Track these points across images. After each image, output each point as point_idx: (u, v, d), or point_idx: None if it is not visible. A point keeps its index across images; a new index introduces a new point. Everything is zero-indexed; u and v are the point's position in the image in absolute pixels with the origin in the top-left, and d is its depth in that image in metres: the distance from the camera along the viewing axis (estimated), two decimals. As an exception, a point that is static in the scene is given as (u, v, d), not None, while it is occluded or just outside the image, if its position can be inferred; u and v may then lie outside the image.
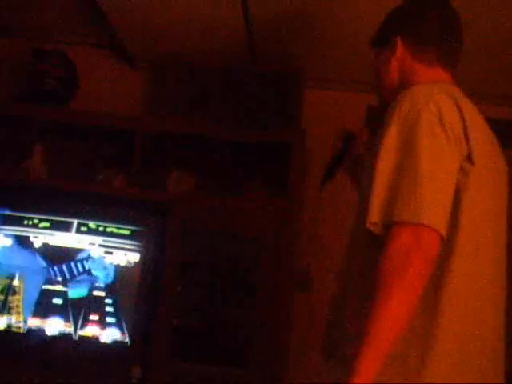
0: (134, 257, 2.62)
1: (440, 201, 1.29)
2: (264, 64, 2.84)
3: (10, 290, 2.57)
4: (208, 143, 2.76)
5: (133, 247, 2.63)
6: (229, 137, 2.70)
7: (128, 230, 2.64)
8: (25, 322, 2.55)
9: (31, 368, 2.47)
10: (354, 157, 1.77)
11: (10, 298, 2.56)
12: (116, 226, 2.64)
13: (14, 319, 2.55)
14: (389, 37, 1.59)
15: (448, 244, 1.32)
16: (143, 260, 2.61)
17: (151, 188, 2.69)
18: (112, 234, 2.64)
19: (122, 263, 2.62)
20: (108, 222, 2.64)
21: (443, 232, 1.28)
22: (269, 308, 2.55)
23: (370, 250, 1.37)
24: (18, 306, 2.56)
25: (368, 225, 1.31)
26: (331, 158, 1.79)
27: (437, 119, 1.33)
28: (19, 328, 2.54)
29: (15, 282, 2.58)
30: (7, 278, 2.58)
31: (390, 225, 1.28)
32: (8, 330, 2.54)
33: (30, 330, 2.54)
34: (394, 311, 1.23)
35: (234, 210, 2.63)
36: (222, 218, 2.62)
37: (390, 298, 1.23)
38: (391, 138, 1.33)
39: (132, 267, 2.61)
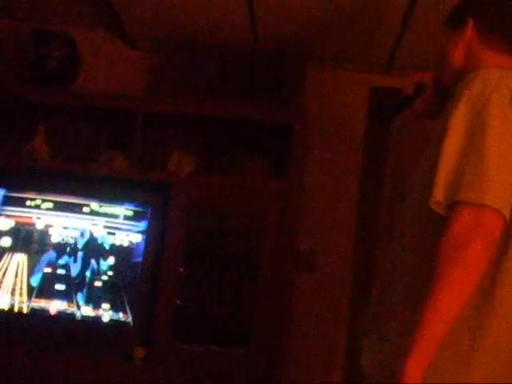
0: (137, 238, 2.62)
1: (506, 183, 1.26)
2: (266, 43, 2.82)
3: (13, 270, 2.58)
4: (209, 123, 2.75)
5: (135, 228, 2.63)
6: (230, 116, 2.68)
7: (130, 210, 2.64)
8: (28, 302, 2.56)
9: (34, 348, 2.47)
10: (413, 109, 1.75)
11: (12, 278, 2.58)
12: (118, 207, 2.64)
13: (16, 299, 2.56)
14: (461, 18, 1.54)
15: (510, 228, 1.30)
16: (145, 241, 2.61)
17: (153, 169, 2.69)
18: (114, 216, 2.64)
19: (125, 244, 2.62)
20: (110, 204, 2.64)
21: (507, 214, 1.25)
22: (272, 288, 2.55)
23: (422, 231, 1.36)
24: (21, 287, 2.56)
25: (431, 204, 1.28)
26: (398, 99, 1.78)
27: (508, 101, 1.30)
28: (22, 308, 2.56)
29: (18, 264, 2.59)
30: (10, 259, 2.59)
31: (453, 205, 1.26)
32: (11, 310, 2.55)
33: (32, 310, 2.56)
34: (453, 292, 1.22)
35: (236, 189, 2.62)
36: (223, 198, 2.61)
37: (449, 279, 1.22)
38: (460, 119, 1.31)
39: (134, 248, 2.62)
